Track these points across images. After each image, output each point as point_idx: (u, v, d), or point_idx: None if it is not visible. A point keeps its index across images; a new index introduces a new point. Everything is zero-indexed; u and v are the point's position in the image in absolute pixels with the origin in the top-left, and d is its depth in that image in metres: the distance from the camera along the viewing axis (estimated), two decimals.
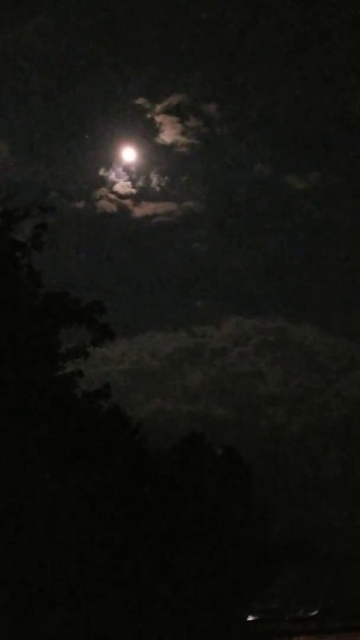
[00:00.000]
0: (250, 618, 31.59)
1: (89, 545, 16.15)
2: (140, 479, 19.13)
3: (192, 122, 74.72)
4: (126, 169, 73.62)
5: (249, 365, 69.27)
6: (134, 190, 73.06)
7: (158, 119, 72.62)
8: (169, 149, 74.79)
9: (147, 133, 74.14)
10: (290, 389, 66.30)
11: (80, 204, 73.02)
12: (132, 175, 74.65)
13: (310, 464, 51.77)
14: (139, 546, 18.66)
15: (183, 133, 74.20)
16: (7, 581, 14.01)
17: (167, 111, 72.34)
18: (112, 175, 74.11)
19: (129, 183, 73.05)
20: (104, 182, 77.50)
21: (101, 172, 75.73)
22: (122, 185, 73.03)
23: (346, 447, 52.75)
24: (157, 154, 76.06)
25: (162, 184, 75.31)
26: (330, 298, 77.55)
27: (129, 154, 74.97)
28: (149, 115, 72.43)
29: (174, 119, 73.29)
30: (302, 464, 51.46)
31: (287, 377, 68.03)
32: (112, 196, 72.85)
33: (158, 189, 74.66)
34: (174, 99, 72.68)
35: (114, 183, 73.38)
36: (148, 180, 75.00)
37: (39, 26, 69.07)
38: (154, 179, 74.74)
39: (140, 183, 74.67)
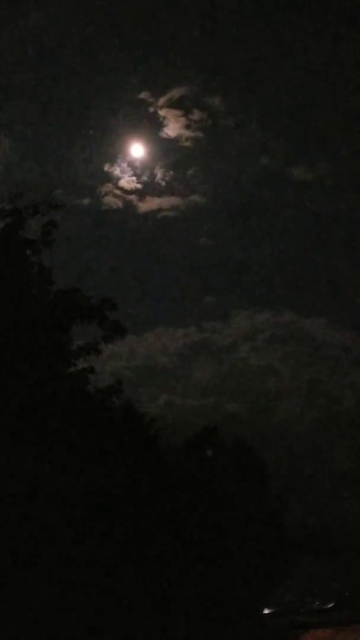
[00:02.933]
0: (266, 611, 31.63)
1: (102, 541, 16.22)
2: (154, 475, 19.17)
3: (196, 115, 74.25)
4: (131, 164, 73.34)
5: (259, 360, 69.09)
6: (139, 186, 72.82)
7: (161, 112, 72.28)
8: (173, 142, 74.41)
9: (151, 127, 73.75)
10: (301, 382, 66.08)
11: (86, 201, 72.80)
12: (136, 170, 74.32)
13: (323, 457, 51.70)
14: (153, 541, 18.72)
15: (187, 126, 73.81)
16: (21, 574, 14.09)
17: (171, 105, 71.97)
18: (116, 171, 73.86)
19: (134, 178, 72.77)
20: (109, 177, 77.33)
21: (106, 167, 75.42)
22: (127, 181, 72.74)
23: (359, 440, 52.62)
24: (161, 148, 75.72)
25: (167, 178, 75.05)
26: (340, 291, 77.18)
27: (133, 149, 74.65)
28: (152, 109, 72.08)
29: (177, 112, 72.91)
30: (314, 457, 51.38)
31: (298, 370, 67.84)
32: (118, 192, 72.63)
33: (163, 183, 74.37)
34: (176, 92, 72.24)
35: (119, 178, 73.13)
36: (152, 175, 74.64)
37: (40, 21, 68.87)
38: (159, 174, 74.41)
39: (144, 178, 74.39)
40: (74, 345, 16.63)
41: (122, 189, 71.35)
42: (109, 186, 72.75)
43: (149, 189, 73.00)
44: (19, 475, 14.15)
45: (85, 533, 15.59)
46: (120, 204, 72.27)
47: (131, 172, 72.19)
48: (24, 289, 15.22)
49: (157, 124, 71.47)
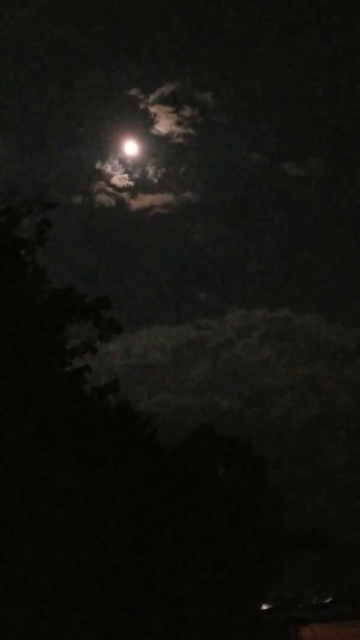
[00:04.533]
0: (264, 607, 31.68)
1: (100, 538, 16.24)
2: (152, 472, 19.19)
3: (188, 112, 74.27)
4: (122, 162, 73.27)
5: (255, 356, 69.21)
6: (131, 183, 72.73)
7: (152, 109, 72.22)
8: (164, 139, 74.38)
9: (142, 124, 73.69)
10: (296, 378, 66.24)
11: (78, 199, 72.73)
12: (128, 167, 74.24)
13: (320, 452, 51.84)
14: (152, 538, 18.74)
15: (179, 123, 73.81)
16: (21, 574, 14.10)
17: (161, 101, 71.93)
18: (108, 168, 73.72)
19: (125, 175, 72.69)
20: (101, 175, 77.14)
21: (98, 165, 75.29)
22: (119, 178, 72.68)
23: (354, 435, 52.81)
24: (152, 145, 75.64)
25: (159, 175, 74.94)
26: (334, 286, 77.41)
27: (124, 146, 74.61)
28: (142, 106, 71.99)
29: (168, 109, 72.89)
30: (311, 452, 51.51)
31: (293, 367, 67.99)
32: (110, 189, 72.55)
33: (155, 180, 74.31)
34: (167, 89, 72.21)
35: (110, 176, 73.01)
36: (144, 172, 74.59)
37: (31, 19, 68.73)
38: (150, 171, 74.35)
39: (136, 175, 74.25)
40: (69, 344, 16.64)
41: (114, 186, 71.26)
42: (101, 184, 72.63)
43: (141, 186, 72.99)
44: (16, 474, 14.15)
45: (83, 531, 15.60)
46: (112, 201, 72.16)
47: (123, 170, 72.13)
48: (19, 289, 15.21)
49: (148, 120, 71.44)
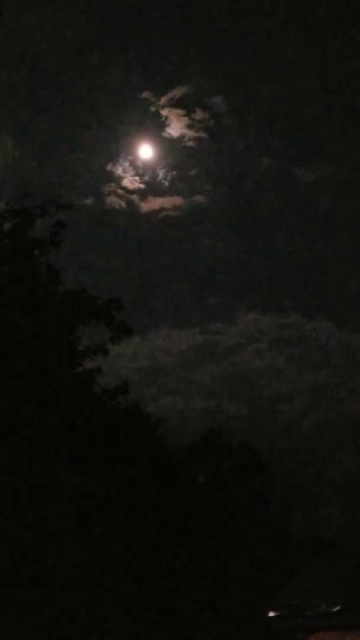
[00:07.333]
0: (271, 614, 31.47)
1: (107, 541, 16.21)
2: (160, 476, 19.16)
3: (199, 115, 74.20)
4: (133, 164, 73.40)
5: (264, 362, 68.93)
6: (141, 185, 72.81)
7: (163, 112, 72.26)
8: (176, 142, 74.37)
9: (153, 127, 73.82)
10: (305, 385, 65.93)
11: (89, 200, 72.87)
12: (138, 170, 74.36)
13: (328, 460, 51.58)
14: (158, 542, 18.70)
15: (190, 126, 73.81)
16: (22, 575, 14.08)
17: (172, 104, 72.03)
18: (119, 170, 73.77)
19: (136, 178, 72.74)
20: (112, 177, 77.21)
21: (109, 167, 75.43)
22: (130, 180, 72.68)
23: None
24: (164, 148, 75.63)
25: (169, 178, 74.95)
26: (344, 293, 77.01)
27: (135, 149, 74.74)
28: (153, 109, 72.14)
29: (180, 112, 72.92)
30: (319, 459, 51.25)
31: (302, 373, 67.70)
32: (121, 192, 72.62)
33: (165, 183, 74.32)
34: (178, 92, 72.22)
35: (121, 178, 73.07)
36: (155, 174, 74.63)
37: (41, 19, 68.90)
38: (161, 174, 74.35)
39: (147, 178, 74.30)
40: (81, 346, 16.63)
41: (125, 188, 71.24)
42: (111, 186, 72.63)
43: (151, 188, 72.92)
44: (26, 476, 14.15)
45: (89, 533, 15.58)
46: (123, 204, 72.11)
47: (133, 172, 72.12)
48: (33, 290, 15.23)
49: (160, 123, 71.42)
